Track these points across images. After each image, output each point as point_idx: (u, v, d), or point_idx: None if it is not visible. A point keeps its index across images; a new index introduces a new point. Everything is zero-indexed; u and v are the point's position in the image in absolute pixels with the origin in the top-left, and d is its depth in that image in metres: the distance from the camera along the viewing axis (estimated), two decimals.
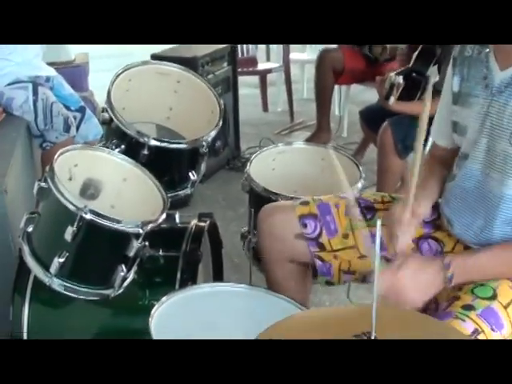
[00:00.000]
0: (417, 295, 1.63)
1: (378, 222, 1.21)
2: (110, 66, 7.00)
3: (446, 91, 1.89)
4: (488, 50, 1.68)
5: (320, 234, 1.97)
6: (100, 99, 4.50)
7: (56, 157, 1.90)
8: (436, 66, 3.38)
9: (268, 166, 2.72)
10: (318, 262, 1.99)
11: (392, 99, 3.27)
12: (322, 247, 1.98)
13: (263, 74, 5.43)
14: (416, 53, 3.45)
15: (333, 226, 1.98)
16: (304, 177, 2.73)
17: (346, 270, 1.99)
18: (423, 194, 1.87)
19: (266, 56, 7.29)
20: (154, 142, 2.19)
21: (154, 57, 3.83)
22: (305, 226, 1.97)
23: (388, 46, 4.27)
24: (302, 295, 2.10)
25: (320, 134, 4.65)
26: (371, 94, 4.99)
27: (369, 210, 2.00)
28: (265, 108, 5.63)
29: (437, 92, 3.19)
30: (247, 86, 5.66)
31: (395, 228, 1.72)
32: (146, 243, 1.95)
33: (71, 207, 1.81)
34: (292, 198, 2.32)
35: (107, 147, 2.21)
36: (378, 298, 1.22)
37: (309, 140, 4.56)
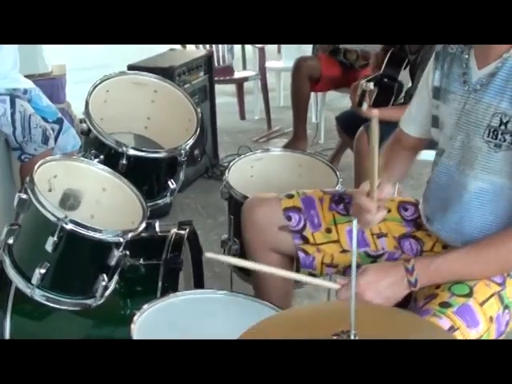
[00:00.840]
0: (380, 302, 1.64)
1: (354, 222, 1.23)
2: (87, 77, 7.00)
3: (424, 84, 1.92)
4: (469, 51, 1.72)
5: (304, 228, 2.00)
6: (77, 111, 4.50)
7: (36, 168, 1.91)
8: (408, 70, 3.42)
9: (246, 172, 2.74)
10: (302, 255, 2.01)
11: (365, 105, 3.30)
12: (305, 240, 2.00)
13: (240, 83, 5.45)
14: (386, 58, 3.49)
15: (316, 220, 2.00)
16: (282, 183, 2.75)
17: (329, 264, 2.02)
18: (386, 176, 1.88)
19: (243, 64, 7.32)
20: (132, 152, 2.20)
21: (131, 67, 3.83)
22: (289, 218, 2.00)
23: (360, 51, 4.32)
24: (286, 287, 2.13)
25: (297, 141, 4.68)
26: (347, 100, 5.01)
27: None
28: (242, 116, 5.65)
29: (411, 96, 3.26)
30: (224, 94, 5.68)
31: (366, 217, 1.70)
32: (127, 252, 1.96)
33: (52, 218, 1.82)
34: None
35: (86, 158, 2.22)
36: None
37: (286, 147, 4.59)
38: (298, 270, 2.11)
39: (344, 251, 1.97)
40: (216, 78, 4.60)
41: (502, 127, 1.60)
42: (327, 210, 2.02)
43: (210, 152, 4.44)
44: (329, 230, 1.99)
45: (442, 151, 1.81)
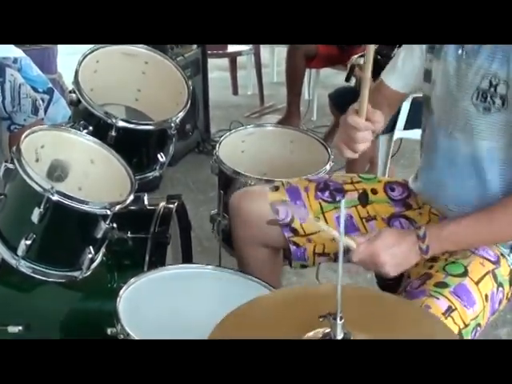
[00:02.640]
0: (392, 268, 1.64)
1: (342, 202, 1.21)
2: (79, 48, 6.96)
3: None
4: None
5: (292, 219, 1.98)
6: (69, 82, 4.46)
7: (23, 138, 1.88)
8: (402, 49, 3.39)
9: (237, 148, 2.72)
10: (293, 247, 2.00)
11: (353, 80, 3.29)
12: (295, 232, 1.98)
13: (233, 57, 5.40)
14: None
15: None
16: (273, 159, 2.74)
17: (321, 253, 2.01)
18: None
19: None
20: (121, 124, 2.17)
21: None
22: (277, 212, 1.97)
23: None
24: (274, 278, 2.11)
25: (290, 118, 4.65)
26: (341, 77, 5.00)
27: (338, 192, 2.01)
28: (235, 91, 5.61)
29: None
30: (217, 68, 5.64)
31: (353, 135, 1.64)
32: (114, 225, 1.94)
33: (38, 188, 1.79)
34: (261, 181, 2.33)
35: (75, 128, 2.19)
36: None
37: (279, 124, 4.57)
38: (289, 263, 2.11)
39: (334, 239, 1.96)
40: (209, 52, 4.54)
41: (492, 90, 1.59)
42: (313, 198, 2.00)
43: (201, 126, 4.41)
44: (317, 220, 1.97)
45: (432, 111, 1.80)
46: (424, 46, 1.81)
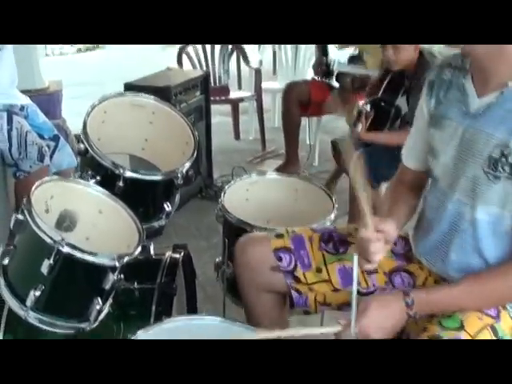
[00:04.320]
0: (381, 336, 1.64)
1: (355, 257, 1.23)
2: (83, 93, 7.06)
3: (419, 113, 1.91)
4: (466, 77, 1.72)
5: (295, 268, 2.00)
6: (73, 126, 4.50)
7: (33, 189, 1.91)
8: (405, 97, 3.43)
9: (241, 196, 2.74)
10: (295, 294, 2.01)
11: (360, 126, 3.32)
12: (297, 280, 2.00)
13: (235, 103, 5.45)
14: (385, 83, 3.50)
15: (307, 260, 2.00)
16: (278, 207, 2.76)
17: (322, 302, 2.02)
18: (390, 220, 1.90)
19: (238, 84, 7.34)
20: (129, 174, 2.20)
21: (128, 86, 3.84)
22: (280, 259, 1.99)
23: (358, 75, 4.33)
24: (281, 322, 2.12)
25: (288, 164, 4.69)
26: (342, 122, 5.04)
27: (342, 244, 2.02)
28: (237, 136, 5.65)
29: (406, 123, 3.27)
30: (219, 113, 5.69)
31: (366, 248, 1.70)
32: (122, 276, 1.95)
33: (48, 240, 1.81)
34: (266, 229, 2.35)
35: (83, 178, 2.22)
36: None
37: (277, 170, 4.59)
38: (290, 305, 2.12)
39: (336, 290, 1.98)
40: (212, 98, 4.59)
41: (503, 159, 1.59)
42: (317, 249, 2.02)
43: (204, 172, 4.43)
44: (319, 270, 1.99)
45: (436, 179, 1.81)
46: (426, 123, 1.84)
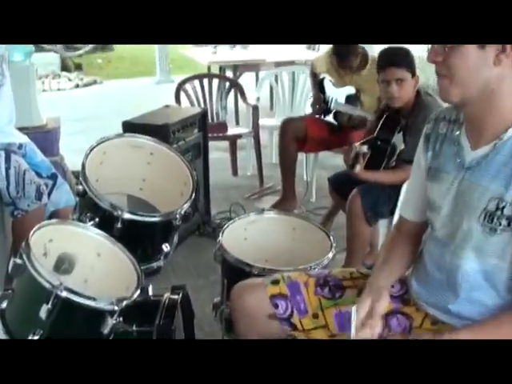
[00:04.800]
0: None
1: (353, 311, 1.23)
2: (80, 129, 7.10)
3: (416, 165, 1.93)
4: (460, 130, 1.74)
5: (291, 315, 2.00)
6: (70, 163, 4.52)
7: (31, 233, 1.91)
8: (401, 134, 3.45)
9: (240, 235, 2.75)
10: None
11: (358, 168, 3.33)
12: (294, 327, 2.00)
13: (233, 140, 5.48)
14: (381, 121, 3.53)
15: (303, 305, 2.00)
16: (276, 246, 2.77)
17: None
18: (386, 269, 1.92)
19: (235, 120, 7.39)
20: (127, 216, 2.21)
21: (126, 124, 3.85)
22: (276, 306, 2.00)
23: (354, 114, 4.35)
24: None
25: (285, 201, 4.68)
26: (339, 159, 5.05)
27: (338, 289, 2.03)
28: (234, 172, 5.66)
29: (403, 161, 3.29)
30: (217, 149, 5.70)
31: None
32: (121, 319, 1.94)
33: (47, 285, 1.80)
34: (264, 270, 2.36)
35: (81, 220, 2.22)
36: None
37: (274, 207, 4.59)
38: None
39: (332, 335, 1.97)
40: (210, 135, 4.61)
41: (498, 212, 1.60)
42: (313, 294, 2.02)
43: (201, 209, 4.43)
44: (316, 316, 1.99)
45: (435, 230, 1.82)
46: (424, 175, 1.87)
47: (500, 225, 1.60)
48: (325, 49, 4.77)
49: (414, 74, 3.26)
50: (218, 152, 5.74)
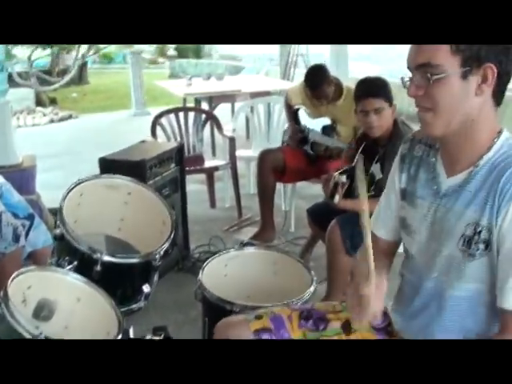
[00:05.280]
0: None
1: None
2: (56, 164, 7.07)
3: (390, 185, 1.93)
4: (436, 156, 1.75)
5: None
6: (47, 200, 4.50)
7: (10, 281, 1.89)
8: (379, 164, 3.46)
9: (220, 272, 2.74)
10: None
11: (337, 198, 3.33)
12: None
13: (210, 172, 5.47)
14: (359, 151, 3.54)
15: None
16: (257, 281, 2.76)
17: None
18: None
19: (212, 151, 7.39)
20: (107, 258, 2.19)
21: (102, 161, 3.82)
22: None
23: (330, 145, 4.36)
24: None
25: (264, 232, 4.65)
26: (317, 188, 5.06)
27: (321, 321, 2.01)
28: (212, 204, 5.63)
29: (381, 190, 3.30)
30: (194, 182, 5.67)
31: (367, 306, 1.65)
32: None
33: (26, 335, 1.78)
34: (246, 307, 2.34)
35: (59, 264, 2.20)
36: None
37: (253, 238, 4.58)
38: None
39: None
40: (187, 168, 4.58)
41: (476, 237, 1.61)
42: (297, 328, 2.00)
43: (180, 243, 4.37)
44: None
45: (412, 257, 1.82)
46: (398, 195, 1.87)
47: (478, 249, 1.61)
48: (299, 79, 4.80)
49: (391, 103, 3.29)
50: (195, 184, 5.72)
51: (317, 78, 4.28)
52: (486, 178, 1.61)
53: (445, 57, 1.53)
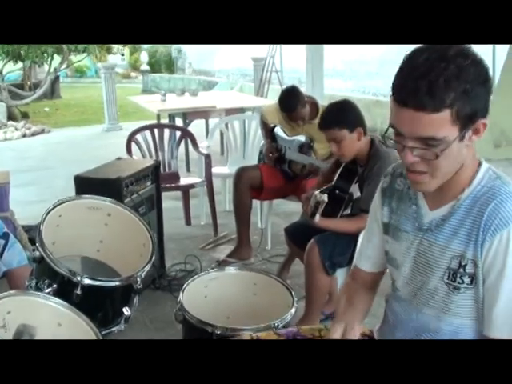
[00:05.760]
0: None
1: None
2: (29, 180, 6.99)
3: (372, 217, 1.93)
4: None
5: None
6: (20, 215, 4.45)
7: None
8: (357, 184, 3.47)
9: (200, 293, 2.72)
10: None
11: (317, 217, 3.33)
12: None
13: (186, 190, 5.44)
14: (339, 171, 3.55)
15: None
16: (237, 302, 2.74)
17: None
18: (350, 311, 1.90)
19: (186, 167, 7.37)
20: (87, 281, 2.16)
21: (77, 179, 3.77)
22: None
23: (307, 164, 4.35)
24: None
25: (241, 250, 4.63)
26: (293, 205, 5.06)
27: None
28: (188, 222, 5.60)
29: (360, 210, 3.31)
30: (169, 198, 5.62)
31: None
32: None
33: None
34: (227, 330, 2.32)
35: (39, 287, 2.17)
36: None
37: (230, 256, 4.57)
38: None
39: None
40: (162, 185, 4.55)
41: (461, 270, 1.61)
42: None
43: (156, 262, 4.31)
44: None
45: (398, 289, 1.82)
46: (381, 228, 1.87)
47: (463, 282, 1.61)
48: (273, 96, 4.80)
49: (353, 129, 3.26)
50: (170, 201, 5.67)
51: (291, 101, 4.29)
52: (469, 210, 1.61)
53: (447, 128, 1.47)
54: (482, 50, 1.51)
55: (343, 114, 3.31)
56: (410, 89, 1.44)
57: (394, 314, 1.84)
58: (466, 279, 1.61)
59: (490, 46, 8.04)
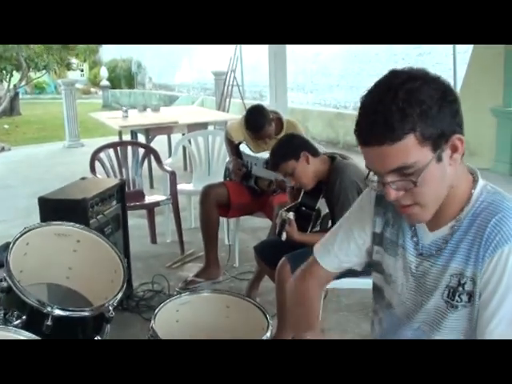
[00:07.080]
0: None
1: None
2: None
3: (355, 224, 1.86)
4: None
5: None
6: None
7: None
8: (324, 200, 3.47)
9: (172, 317, 2.66)
10: None
11: (284, 235, 3.32)
12: None
13: (151, 208, 5.37)
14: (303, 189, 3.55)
15: None
16: (210, 326, 2.69)
17: None
18: (304, 314, 1.89)
19: (150, 183, 7.31)
20: (58, 312, 2.10)
21: (42, 200, 3.69)
22: None
23: (274, 179, 4.33)
24: None
25: (209, 269, 4.57)
26: (260, 221, 5.04)
27: None
28: (153, 240, 5.53)
29: (327, 224, 3.30)
30: (134, 216, 5.56)
31: None
32: None
33: None
34: None
35: (7, 319, 2.10)
36: None
37: (198, 276, 4.52)
38: None
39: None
40: (128, 204, 4.49)
41: (460, 288, 1.60)
42: None
43: None
44: None
45: (392, 306, 1.80)
46: (368, 238, 1.83)
47: (461, 300, 1.60)
48: (235, 110, 4.79)
49: (298, 155, 3.33)
50: (134, 219, 5.61)
51: (258, 121, 4.28)
52: (468, 228, 1.59)
53: (416, 152, 1.44)
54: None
55: (283, 148, 3.41)
56: (367, 127, 1.44)
57: (387, 331, 1.82)
58: (464, 297, 1.59)
59: (451, 58, 8.14)
